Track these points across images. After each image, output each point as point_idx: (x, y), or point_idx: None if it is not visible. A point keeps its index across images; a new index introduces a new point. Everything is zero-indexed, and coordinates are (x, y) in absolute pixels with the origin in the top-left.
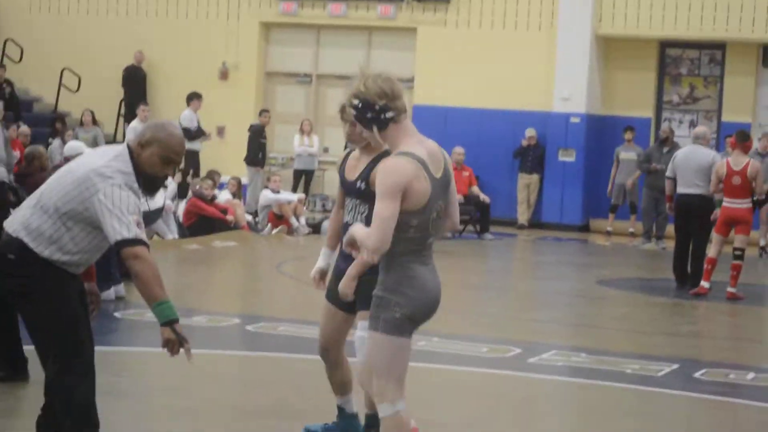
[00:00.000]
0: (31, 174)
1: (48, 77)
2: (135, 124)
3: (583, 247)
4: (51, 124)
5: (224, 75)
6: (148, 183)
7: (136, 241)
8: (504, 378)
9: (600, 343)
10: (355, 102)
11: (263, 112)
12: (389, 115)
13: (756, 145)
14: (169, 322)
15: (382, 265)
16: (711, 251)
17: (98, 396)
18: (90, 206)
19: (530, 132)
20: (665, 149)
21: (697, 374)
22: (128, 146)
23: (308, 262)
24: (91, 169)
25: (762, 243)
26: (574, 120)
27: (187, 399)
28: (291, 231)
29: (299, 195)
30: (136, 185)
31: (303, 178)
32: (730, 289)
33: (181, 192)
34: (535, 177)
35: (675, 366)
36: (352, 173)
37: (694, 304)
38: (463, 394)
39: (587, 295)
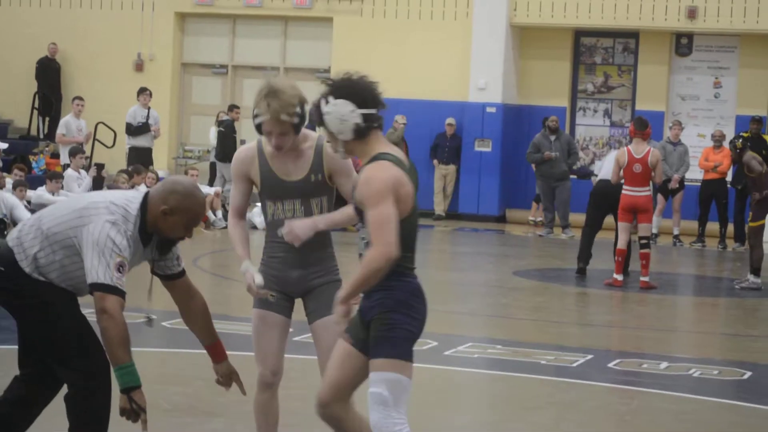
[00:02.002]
0: None
1: None
2: (68, 118)
3: (499, 237)
4: None
5: (139, 67)
6: (165, 244)
7: (110, 288)
8: (420, 371)
9: (515, 334)
10: (298, 111)
11: (233, 107)
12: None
13: (668, 133)
14: (128, 390)
15: None
16: (620, 242)
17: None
18: (78, 235)
19: (450, 120)
20: (553, 137)
21: (611, 364)
22: (145, 200)
23: (225, 256)
24: (94, 201)
25: (675, 232)
26: (490, 110)
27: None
28: (207, 225)
29: (215, 188)
30: (132, 233)
31: None
32: (642, 278)
33: (97, 186)
34: (451, 167)
35: (589, 356)
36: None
37: (609, 294)
38: None
39: (503, 286)
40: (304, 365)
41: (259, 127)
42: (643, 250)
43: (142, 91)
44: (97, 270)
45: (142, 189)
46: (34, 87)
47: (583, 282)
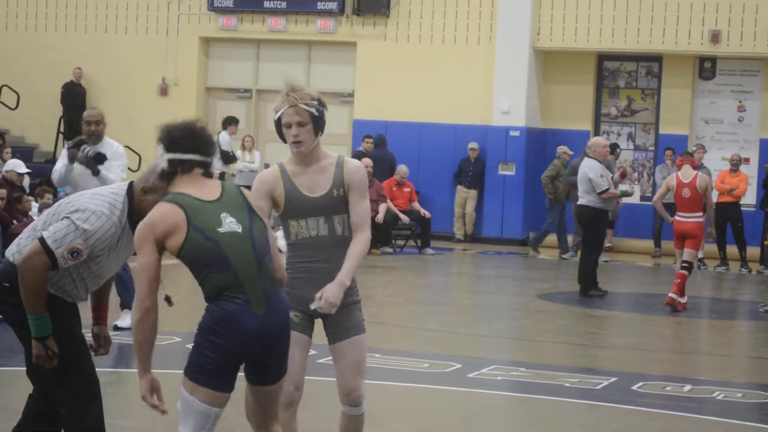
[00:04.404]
0: None
1: None
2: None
3: (523, 261)
4: None
5: (164, 91)
6: None
7: (50, 252)
8: (444, 393)
9: (539, 357)
10: (316, 104)
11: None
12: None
13: None
14: (42, 338)
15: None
16: (677, 267)
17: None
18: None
19: (473, 144)
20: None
21: (634, 387)
22: (131, 186)
23: None
24: (81, 194)
25: (700, 255)
26: (514, 133)
27: (130, 419)
28: None
29: None
30: (122, 219)
31: None
32: (670, 294)
33: None
34: (473, 192)
35: (613, 379)
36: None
37: (632, 317)
38: (404, 409)
39: (527, 309)
40: (327, 386)
41: (279, 125)
42: (681, 271)
43: (235, 121)
44: (54, 233)
45: None
46: (60, 111)
47: (606, 305)
